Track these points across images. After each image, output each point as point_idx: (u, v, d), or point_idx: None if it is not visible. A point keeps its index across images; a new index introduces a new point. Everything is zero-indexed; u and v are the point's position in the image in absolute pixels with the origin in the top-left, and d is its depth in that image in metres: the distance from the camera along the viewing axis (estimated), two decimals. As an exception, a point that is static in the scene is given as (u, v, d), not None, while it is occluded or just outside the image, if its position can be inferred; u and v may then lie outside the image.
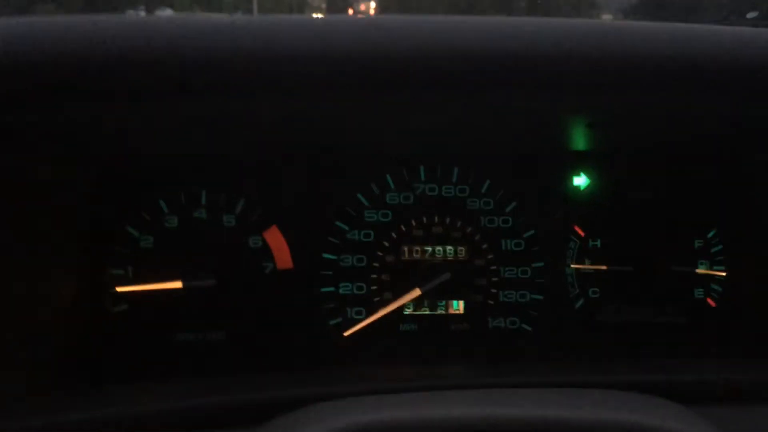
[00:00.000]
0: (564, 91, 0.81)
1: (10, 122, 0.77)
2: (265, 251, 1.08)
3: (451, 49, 0.76)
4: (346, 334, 1.08)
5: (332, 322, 1.09)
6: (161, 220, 1.06)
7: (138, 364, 1.03)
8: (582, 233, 1.11)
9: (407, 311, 1.10)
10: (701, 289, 1.12)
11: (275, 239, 1.08)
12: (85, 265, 1.02)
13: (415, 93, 0.81)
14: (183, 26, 0.75)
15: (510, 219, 1.10)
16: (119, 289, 1.05)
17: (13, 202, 0.88)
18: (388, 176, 1.10)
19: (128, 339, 1.05)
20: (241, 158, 1.07)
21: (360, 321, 1.08)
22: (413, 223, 1.10)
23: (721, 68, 0.78)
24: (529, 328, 1.11)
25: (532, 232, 1.10)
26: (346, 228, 1.09)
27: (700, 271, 1.11)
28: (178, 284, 1.05)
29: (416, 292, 1.06)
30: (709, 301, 1.12)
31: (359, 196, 1.09)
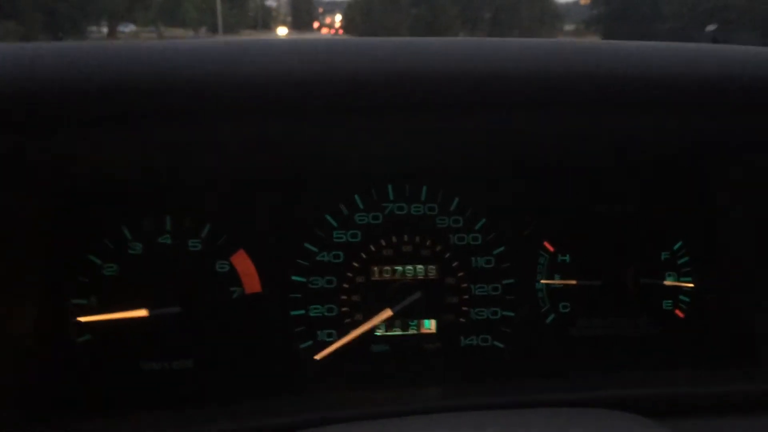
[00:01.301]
0: (529, 110, 0.83)
1: None
2: (233, 276, 1.06)
3: (418, 72, 0.77)
4: (317, 357, 1.06)
5: (303, 345, 1.08)
6: (125, 247, 1.04)
7: (103, 394, 1.01)
8: (551, 248, 1.12)
9: (379, 332, 1.09)
10: (670, 301, 1.13)
11: (243, 263, 1.06)
12: (46, 295, 1.00)
13: (382, 117, 0.81)
14: (146, 52, 0.75)
15: (479, 236, 1.11)
16: (82, 318, 1.02)
17: None
18: (356, 196, 1.09)
19: (93, 369, 1.03)
20: (206, 182, 1.05)
21: (331, 343, 1.06)
22: (383, 242, 1.10)
23: (677, 86, 0.82)
24: (501, 345, 1.11)
25: (502, 248, 1.11)
26: (315, 249, 1.08)
27: (667, 282, 1.12)
28: (143, 312, 1.02)
29: (387, 313, 1.06)
30: (678, 312, 1.14)
31: (327, 217, 1.08)
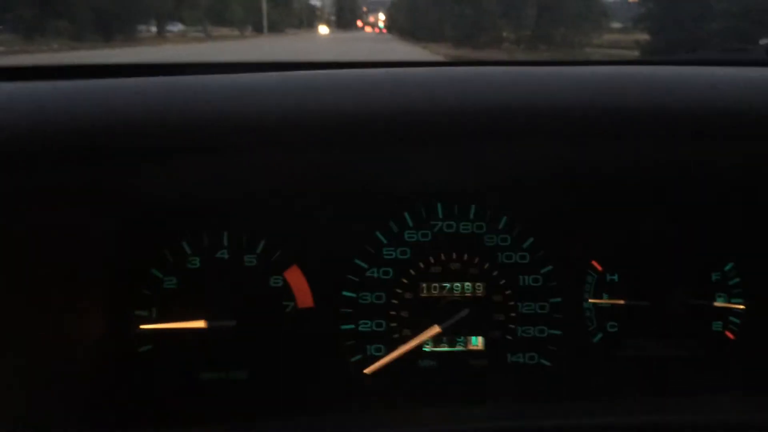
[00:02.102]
0: (583, 140, 0.85)
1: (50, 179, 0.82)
2: (286, 290, 1.10)
3: (470, 106, 0.80)
4: (367, 371, 1.09)
5: (353, 359, 1.10)
6: (184, 261, 1.08)
7: (162, 403, 1.05)
8: (600, 268, 1.12)
9: (427, 348, 1.11)
10: (720, 323, 1.12)
11: (296, 278, 1.10)
12: (111, 307, 1.05)
13: (433, 145, 0.84)
14: (212, 88, 0.79)
15: (527, 255, 1.12)
16: (144, 327, 1.07)
17: (44, 247, 0.92)
18: (406, 214, 1.11)
19: (153, 378, 1.07)
20: (262, 201, 1.09)
21: (380, 357, 1.09)
22: (431, 260, 1.11)
23: (730, 113, 0.84)
24: (548, 363, 1.12)
25: (550, 267, 1.11)
26: (365, 266, 1.11)
27: (717, 304, 1.11)
28: (201, 324, 1.06)
29: (436, 329, 1.07)
30: (728, 334, 1.12)
31: (378, 234, 1.11)
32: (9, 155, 0.75)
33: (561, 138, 0.85)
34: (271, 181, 1.04)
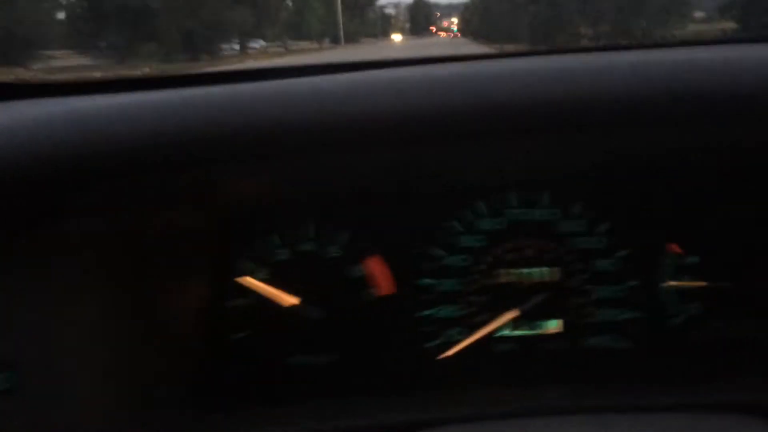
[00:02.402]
0: (661, 124, 0.85)
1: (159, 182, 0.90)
2: (369, 279, 1.15)
3: (544, 98, 0.81)
4: (447, 354, 1.13)
5: (432, 344, 1.14)
6: (274, 253, 1.15)
7: (255, 385, 1.12)
8: (678, 250, 1.11)
9: (506, 332, 1.14)
10: None
11: (378, 267, 1.15)
12: (208, 296, 1.14)
13: (506, 138, 0.87)
14: (285, 92, 0.85)
15: (603, 239, 1.12)
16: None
17: (149, 245, 1.02)
18: (481, 203, 1.14)
19: (246, 363, 1.15)
20: (345, 195, 1.15)
21: (459, 342, 1.12)
22: (507, 246, 1.14)
23: None
24: (627, 346, 1.12)
25: (627, 251, 1.12)
26: (443, 254, 1.15)
27: None
28: (291, 311, 1.14)
29: (514, 312, 1.10)
30: None
31: (455, 223, 1.15)
32: (125, 163, 0.82)
33: (633, 124, 0.85)
34: (352, 178, 1.09)
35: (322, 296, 1.14)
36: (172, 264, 1.07)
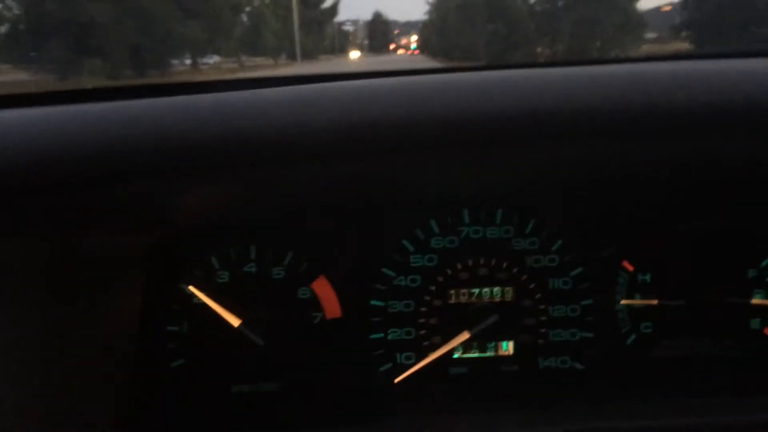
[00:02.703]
0: (607, 139, 0.85)
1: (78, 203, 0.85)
2: (314, 301, 1.12)
3: (490, 111, 0.81)
4: (396, 380, 1.10)
5: (382, 368, 1.12)
6: (213, 276, 1.11)
7: (195, 416, 1.08)
8: (631, 268, 1.11)
9: (457, 355, 1.12)
10: (758, 320, 1.11)
11: (323, 289, 1.12)
12: (143, 323, 1.08)
13: (457, 151, 0.85)
14: (229, 104, 0.83)
15: (556, 258, 1.12)
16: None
17: (79, 265, 0.96)
18: (432, 221, 1.12)
19: (185, 392, 1.10)
20: (288, 213, 1.12)
21: (410, 366, 1.10)
22: (459, 266, 1.12)
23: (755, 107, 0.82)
24: (581, 367, 1.12)
25: (580, 269, 1.11)
26: (393, 274, 1.12)
27: (755, 301, 1.10)
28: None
29: (465, 335, 1.08)
30: (767, 332, 1.11)
31: (405, 242, 1.12)
32: (46, 178, 0.79)
33: (587, 138, 0.85)
34: (296, 194, 1.06)
35: (266, 321, 1.10)
36: (106, 286, 1.02)
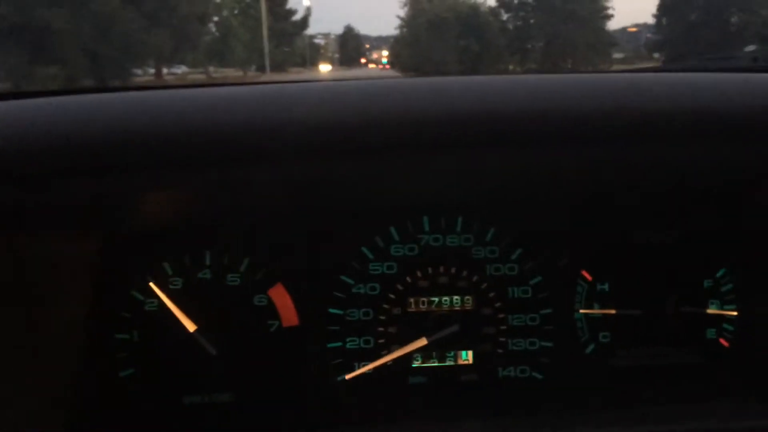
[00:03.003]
0: (563, 145, 0.87)
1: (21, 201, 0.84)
2: (271, 309, 1.11)
3: (449, 113, 0.82)
4: (347, 376, 1.11)
5: (340, 377, 1.11)
6: (166, 283, 1.10)
7: (144, 428, 1.06)
8: (589, 277, 1.13)
9: (416, 363, 1.12)
10: (713, 329, 1.14)
11: (280, 297, 1.11)
12: (91, 331, 1.07)
13: (415, 155, 0.86)
14: (185, 101, 0.83)
15: (516, 266, 1.13)
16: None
17: (24, 268, 0.95)
18: (392, 229, 1.13)
19: (135, 403, 1.09)
20: (244, 218, 1.11)
21: (368, 375, 1.10)
22: (419, 274, 1.13)
23: (717, 116, 0.86)
24: (540, 376, 1.13)
25: (539, 278, 1.13)
26: (352, 282, 1.12)
27: (711, 311, 1.13)
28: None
29: (422, 341, 1.09)
30: (722, 341, 1.14)
31: (364, 249, 1.13)
32: None
33: (546, 145, 0.87)
34: (253, 199, 1.06)
35: (221, 329, 1.09)
36: (50, 291, 1.00)
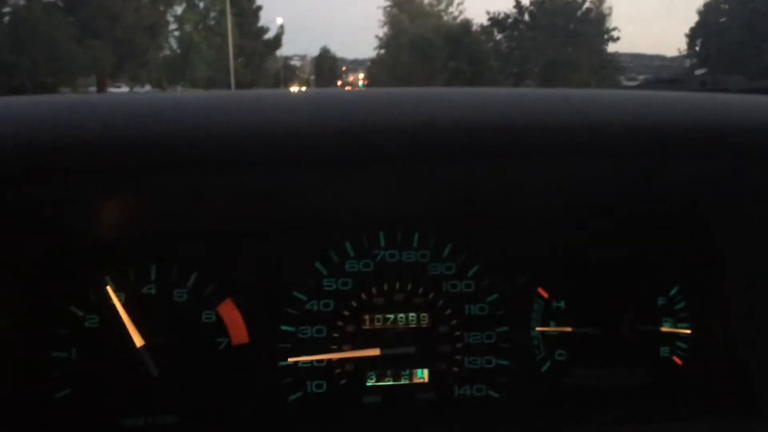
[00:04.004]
0: (518, 160, 0.95)
1: None
2: (219, 326, 1.18)
3: (404, 124, 0.89)
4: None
5: (291, 397, 1.19)
6: (107, 298, 1.15)
7: None
8: (546, 295, 1.24)
9: (370, 382, 1.21)
10: (667, 348, 1.25)
11: (230, 313, 1.19)
12: (25, 349, 1.11)
13: (371, 167, 0.93)
14: (133, 104, 0.88)
15: (473, 283, 1.24)
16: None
17: None
18: (347, 244, 1.22)
19: (70, 426, 1.13)
20: (192, 231, 1.19)
21: (321, 395, 1.19)
22: (374, 290, 1.23)
23: (670, 134, 0.93)
24: (496, 395, 1.23)
25: (496, 296, 1.23)
26: (304, 298, 1.21)
27: (664, 329, 1.24)
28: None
29: (376, 351, 1.18)
30: (675, 359, 1.25)
31: (317, 264, 1.21)
32: None
33: (503, 160, 0.95)
34: (202, 210, 1.14)
35: (166, 346, 1.15)
36: None
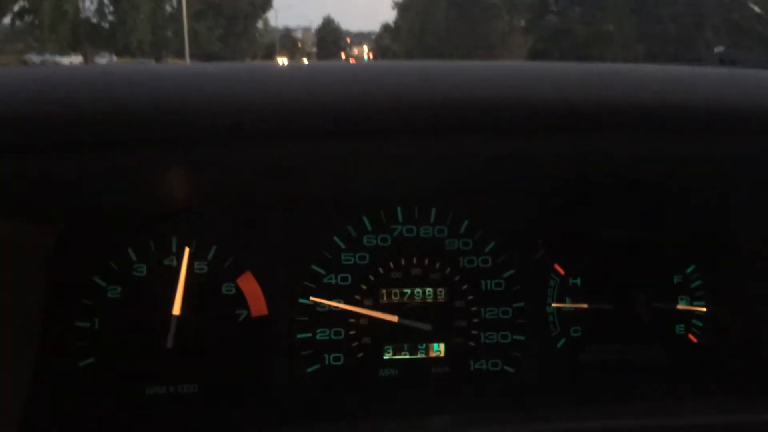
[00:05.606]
0: (540, 135, 0.95)
1: None
2: (239, 298, 1.21)
3: (425, 97, 0.90)
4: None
5: (310, 369, 1.22)
6: (130, 269, 1.19)
7: (106, 419, 1.14)
8: (562, 272, 1.27)
9: (387, 356, 1.24)
10: (682, 325, 1.28)
11: (249, 285, 1.22)
12: (50, 318, 1.14)
13: (390, 141, 0.94)
14: (155, 76, 0.89)
15: (489, 259, 1.26)
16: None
17: None
18: (365, 218, 1.25)
19: (95, 394, 1.16)
20: (213, 204, 1.22)
21: (338, 367, 1.22)
22: (391, 265, 1.25)
23: (689, 111, 0.94)
24: (511, 370, 1.25)
25: (512, 271, 1.26)
26: (323, 272, 1.24)
27: (680, 307, 1.27)
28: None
29: (394, 318, 1.21)
30: (691, 337, 1.28)
31: (336, 239, 1.24)
32: None
33: (523, 135, 0.95)
34: (222, 184, 1.15)
35: (186, 317, 1.18)
36: (8, 277, 1.06)
